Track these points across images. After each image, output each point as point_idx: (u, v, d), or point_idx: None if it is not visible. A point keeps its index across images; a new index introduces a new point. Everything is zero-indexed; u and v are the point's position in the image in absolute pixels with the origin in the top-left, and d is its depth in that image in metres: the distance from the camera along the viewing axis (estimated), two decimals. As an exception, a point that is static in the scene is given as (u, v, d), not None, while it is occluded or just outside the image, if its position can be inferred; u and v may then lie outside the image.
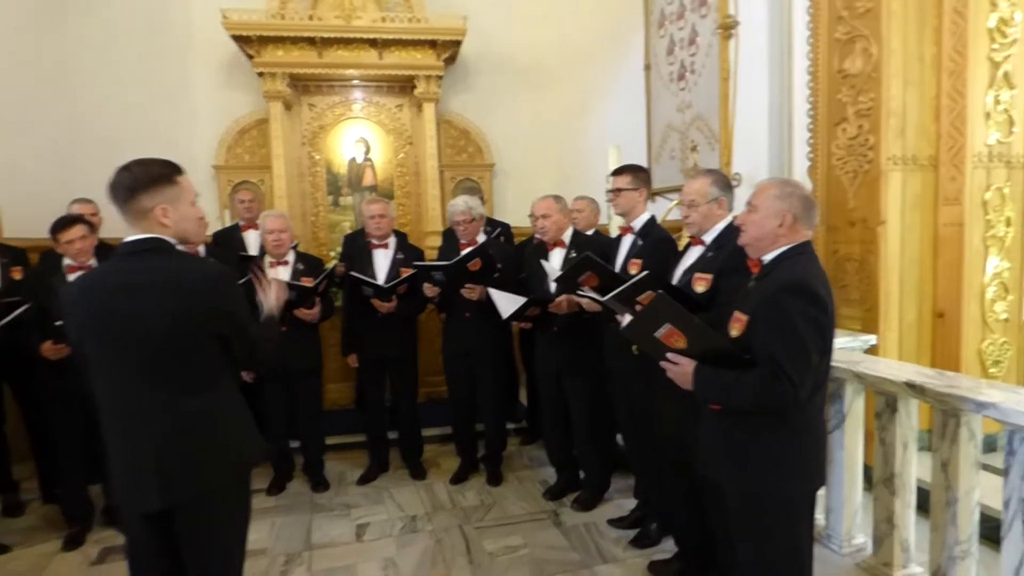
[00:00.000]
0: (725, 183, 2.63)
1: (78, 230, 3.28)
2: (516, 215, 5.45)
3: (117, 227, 4.17)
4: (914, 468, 2.59)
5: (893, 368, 2.63)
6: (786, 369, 1.78)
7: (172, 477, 1.78)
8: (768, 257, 1.98)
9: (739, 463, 1.97)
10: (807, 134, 3.32)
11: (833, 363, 2.10)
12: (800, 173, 3.38)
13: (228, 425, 1.90)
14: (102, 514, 3.53)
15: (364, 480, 4.09)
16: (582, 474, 3.76)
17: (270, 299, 2.21)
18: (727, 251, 2.43)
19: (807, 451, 1.95)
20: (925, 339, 3.22)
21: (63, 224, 3.29)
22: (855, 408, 2.81)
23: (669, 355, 1.99)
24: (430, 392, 5.05)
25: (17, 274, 3.68)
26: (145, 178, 1.81)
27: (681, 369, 1.98)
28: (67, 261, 3.30)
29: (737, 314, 1.96)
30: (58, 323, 3.01)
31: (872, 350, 3.14)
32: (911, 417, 2.56)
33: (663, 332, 1.92)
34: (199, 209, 1.96)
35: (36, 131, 4.73)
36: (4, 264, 3.69)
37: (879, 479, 2.61)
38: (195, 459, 1.81)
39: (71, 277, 3.27)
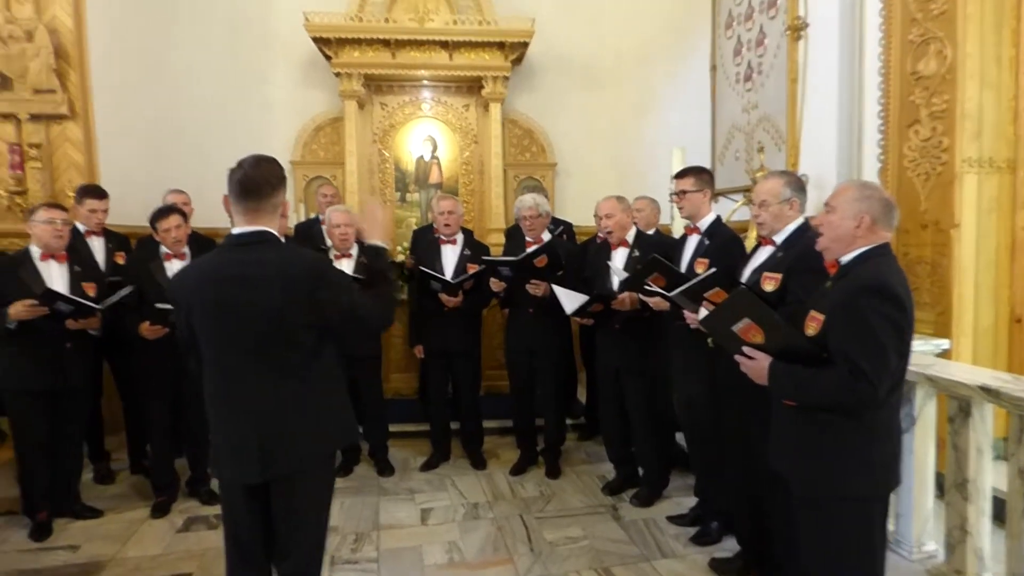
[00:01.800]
0: (798, 185, 2.64)
1: (175, 219, 3.53)
2: (577, 214, 5.53)
3: (204, 217, 4.48)
4: (989, 475, 2.54)
5: (967, 372, 2.59)
6: (864, 369, 1.79)
7: (272, 453, 1.92)
8: (846, 258, 1.99)
9: (813, 460, 1.98)
10: (877, 136, 3.28)
11: (904, 365, 2.10)
12: (870, 174, 3.34)
13: (324, 407, 2.01)
14: (186, 485, 3.79)
15: (427, 467, 4.25)
16: (640, 471, 3.80)
17: (375, 230, 2.21)
18: (798, 251, 2.45)
19: (883, 450, 1.95)
20: (1001, 345, 3.14)
21: (162, 213, 3.54)
22: (926, 412, 2.78)
23: (745, 349, 2.02)
24: (490, 385, 5.17)
25: (120, 259, 3.97)
26: (278, 177, 1.97)
27: (757, 364, 2.00)
28: (163, 249, 3.55)
29: (813, 313, 1.97)
30: (159, 305, 3.27)
31: (945, 355, 3.08)
32: (985, 422, 2.51)
33: (741, 326, 1.95)
34: None
35: (136, 125, 5.09)
36: (109, 249, 3.99)
37: (951, 485, 2.58)
38: (293, 438, 1.94)
39: (167, 264, 3.53)
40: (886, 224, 1.97)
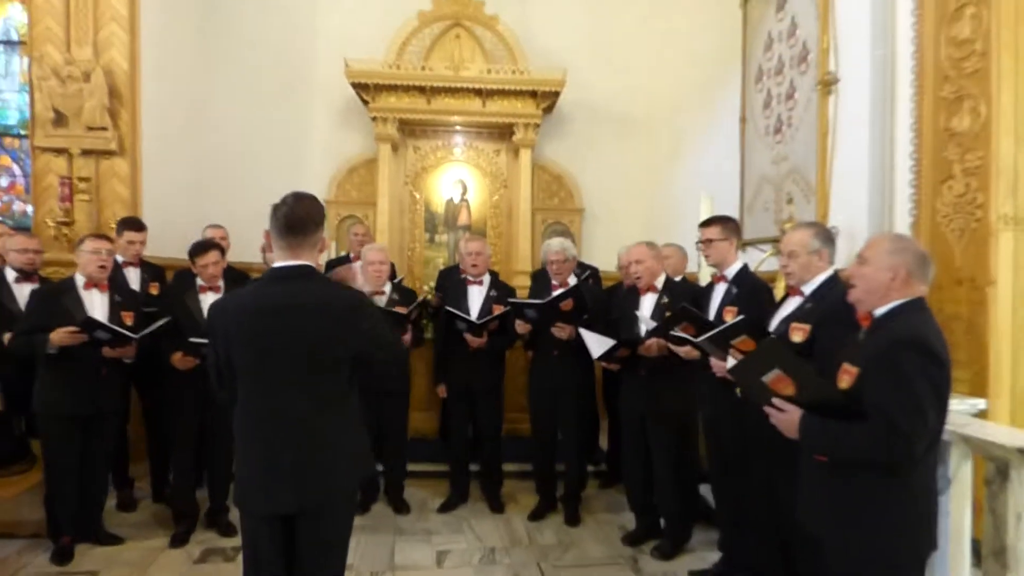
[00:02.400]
0: (827, 236, 2.65)
1: (213, 255, 3.64)
2: (604, 259, 5.55)
3: (239, 253, 4.60)
4: (1028, 543, 2.44)
5: (1005, 433, 2.50)
6: (900, 424, 1.75)
7: (306, 483, 1.94)
8: (880, 311, 1.96)
9: (845, 520, 1.92)
10: (910, 190, 3.26)
11: (939, 424, 2.04)
12: (902, 228, 3.31)
13: (352, 439, 2.06)
14: (206, 516, 3.80)
15: (445, 508, 4.20)
16: (663, 522, 3.71)
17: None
18: (828, 302, 2.43)
19: (920, 513, 1.89)
20: (1041, 408, 3.04)
21: (201, 248, 3.65)
22: (962, 474, 2.67)
23: (775, 401, 1.98)
24: (511, 428, 5.13)
25: (154, 289, 4.09)
26: (320, 214, 2.07)
27: (787, 417, 1.96)
28: (199, 282, 3.66)
29: (846, 366, 1.93)
30: (192, 339, 3.34)
31: (981, 415, 2.99)
32: (1024, 487, 2.42)
33: (772, 377, 1.92)
34: None
35: (179, 163, 5.31)
36: (144, 279, 4.12)
37: (988, 552, 2.47)
38: (325, 467, 1.97)
39: (202, 296, 3.63)
40: (921, 278, 1.95)
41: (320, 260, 2.16)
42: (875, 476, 1.86)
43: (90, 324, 3.18)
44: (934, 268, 2.02)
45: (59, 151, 4.68)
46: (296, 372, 1.95)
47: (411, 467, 4.38)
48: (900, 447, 1.76)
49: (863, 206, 3.56)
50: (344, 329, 1.96)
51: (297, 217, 1.98)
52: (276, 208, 2.01)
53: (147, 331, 3.35)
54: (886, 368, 1.81)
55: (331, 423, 1.98)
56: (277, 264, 2.02)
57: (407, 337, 3.94)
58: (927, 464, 1.92)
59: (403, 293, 4.18)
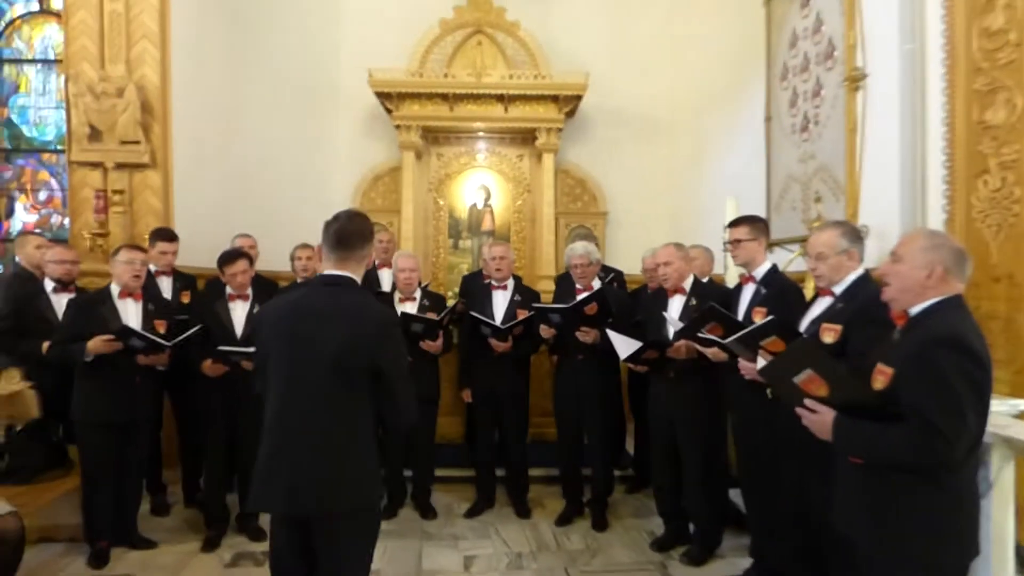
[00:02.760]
0: (855, 234, 2.59)
1: (242, 264, 3.70)
2: (628, 263, 5.51)
3: (268, 261, 4.69)
4: (1074, 548, 2.35)
5: (1047, 434, 2.42)
6: (939, 425, 1.70)
7: (307, 489, 1.97)
8: (916, 309, 1.90)
9: (885, 523, 1.87)
10: (943, 186, 3.19)
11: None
12: (935, 225, 3.23)
13: (368, 452, 2.07)
14: (236, 520, 3.85)
15: (471, 513, 4.19)
16: (692, 527, 3.66)
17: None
18: (860, 302, 2.38)
19: (962, 516, 1.83)
20: (1084, 407, 2.93)
21: (230, 257, 3.72)
22: (1004, 477, 2.59)
23: (807, 402, 1.94)
24: (537, 432, 5.11)
25: (185, 298, 4.18)
26: (369, 231, 2.18)
27: (820, 418, 1.92)
28: (229, 290, 3.72)
29: (881, 366, 1.88)
30: (221, 348, 3.41)
31: (1022, 416, 2.90)
32: (1070, 490, 2.33)
33: (804, 378, 1.88)
34: None
35: (209, 174, 5.41)
36: (176, 288, 4.21)
37: (1032, 557, 2.39)
38: (333, 478, 1.98)
39: (231, 304, 3.69)
40: (959, 275, 1.89)
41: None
42: (914, 478, 1.81)
43: (125, 332, 3.26)
44: (971, 264, 1.96)
45: (94, 165, 4.81)
46: (323, 375, 1.99)
47: (438, 472, 4.40)
48: (940, 449, 1.71)
49: (894, 203, 3.49)
50: (371, 341, 2.01)
51: (347, 232, 2.10)
52: (328, 224, 2.13)
53: (180, 339, 3.42)
54: (923, 368, 1.76)
55: (342, 434, 2.01)
56: (322, 272, 2.14)
57: (439, 343, 3.96)
58: (969, 466, 1.86)
59: (433, 299, 4.21)
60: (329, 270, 2.11)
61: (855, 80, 3.77)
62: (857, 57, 3.77)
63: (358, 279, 2.13)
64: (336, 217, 2.14)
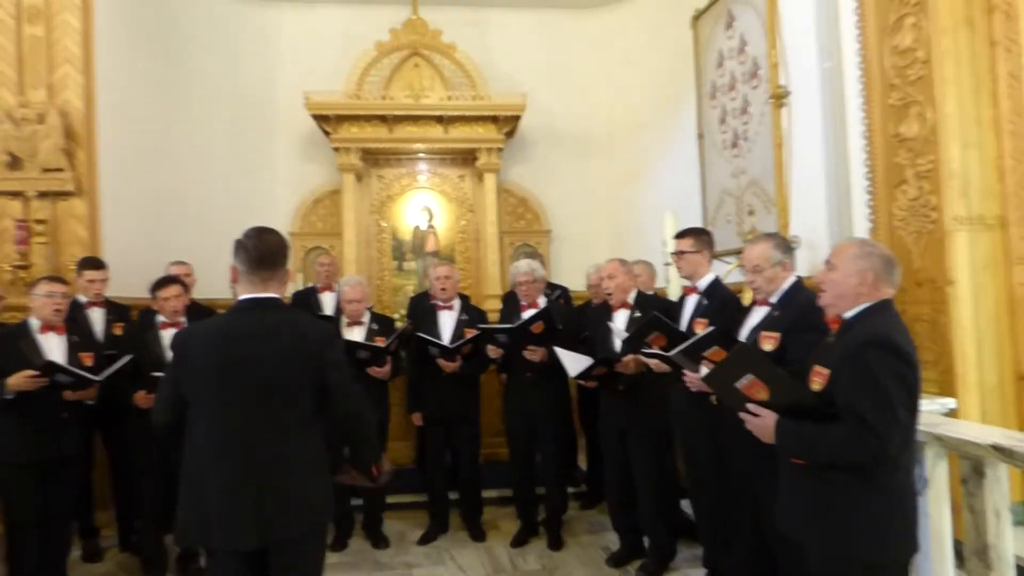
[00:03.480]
0: (785, 245, 2.70)
1: (174, 289, 3.57)
2: (573, 279, 5.57)
3: (204, 288, 4.52)
4: (1011, 541, 2.45)
5: (977, 430, 2.53)
6: (871, 422, 1.77)
7: (271, 516, 1.90)
8: (850, 314, 2.00)
9: (826, 523, 1.92)
10: (866, 196, 3.35)
11: (911, 426, 2.06)
12: (860, 234, 3.38)
13: (318, 471, 2.02)
14: (176, 563, 3.65)
15: (425, 540, 4.10)
16: (646, 540, 3.68)
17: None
18: (796, 310, 2.47)
19: (900, 514, 1.90)
20: (1009, 403, 3.09)
21: (162, 283, 3.59)
22: (938, 474, 2.69)
23: (750, 406, 1.99)
24: (489, 453, 5.06)
25: (118, 329, 3.97)
26: (286, 247, 2.11)
27: (762, 421, 1.97)
28: (160, 318, 3.57)
29: (818, 368, 1.96)
30: (155, 374, 3.25)
31: (951, 414, 3.04)
32: (1001, 483, 2.42)
33: (745, 383, 1.94)
34: None
35: (140, 200, 5.19)
36: (109, 320, 4.01)
37: (971, 552, 2.47)
38: (292, 501, 1.93)
39: (163, 332, 3.53)
40: (888, 280, 1.99)
41: (287, 292, 2.14)
42: (853, 477, 1.87)
43: (50, 368, 3.07)
44: (900, 270, 2.06)
45: (15, 194, 4.55)
46: (261, 398, 1.94)
47: (389, 499, 4.28)
48: (874, 444, 1.78)
49: (822, 214, 3.65)
50: (312, 356, 1.97)
51: (268, 251, 2.03)
52: (241, 243, 2.03)
53: (109, 371, 3.25)
54: (856, 368, 1.84)
55: (294, 455, 1.95)
56: (245, 296, 2.03)
57: (387, 369, 3.89)
58: (904, 466, 1.95)
59: (381, 322, 4.14)
60: (250, 293, 2.02)
61: (779, 97, 3.95)
62: (780, 75, 3.95)
63: (281, 297, 2.08)
64: (247, 235, 2.04)
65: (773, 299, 2.65)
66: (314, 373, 1.97)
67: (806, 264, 3.50)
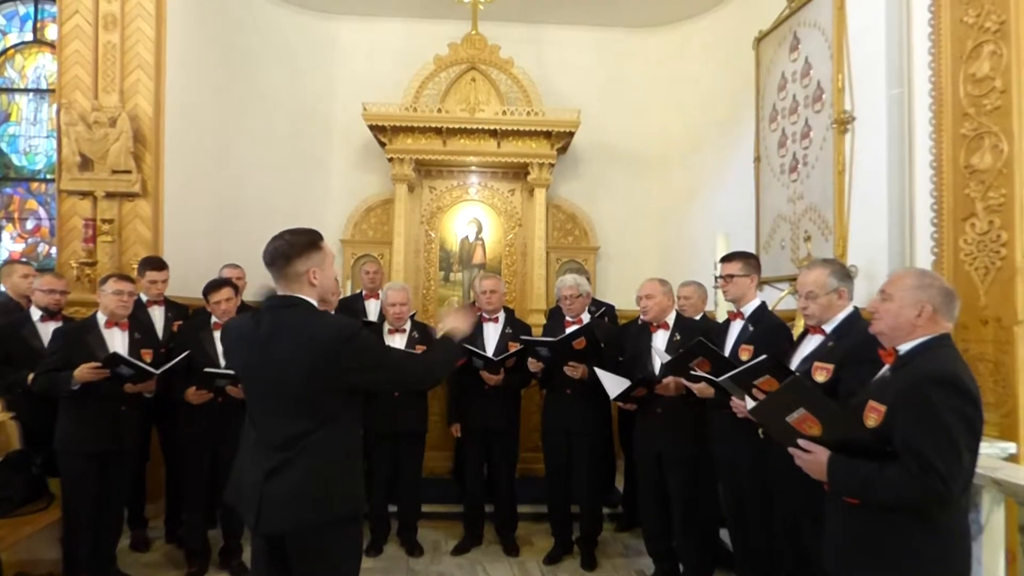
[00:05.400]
0: (844, 273, 2.62)
1: (225, 292, 3.69)
2: (619, 297, 5.54)
3: (259, 291, 4.64)
4: (1067, 592, 2.33)
5: (1038, 477, 2.42)
6: (935, 464, 1.71)
7: (270, 508, 1.95)
8: (905, 347, 1.93)
9: (877, 564, 1.86)
10: (931, 228, 3.23)
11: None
12: (923, 266, 3.28)
13: (336, 472, 2.03)
14: (218, 556, 3.75)
15: (458, 551, 4.11)
16: (681, 567, 3.60)
17: (455, 323, 2.31)
18: (852, 341, 2.39)
19: (955, 556, 1.83)
20: (1074, 451, 2.94)
21: (213, 286, 3.72)
22: (994, 520, 2.58)
23: (801, 442, 1.93)
24: (526, 468, 5.04)
25: (177, 328, 4.12)
26: (298, 245, 2.08)
27: (814, 458, 1.91)
28: (214, 319, 3.70)
29: (873, 404, 1.89)
30: (207, 370, 3.37)
31: (1011, 459, 2.89)
32: (1061, 533, 2.32)
33: (796, 417, 1.87)
34: (334, 271, 2.25)
35: (201, 204, 5.41)
36: (169, 318, 4.17)
37: (1025, 603, 2.36)
38: (291, 498, 1.96)
39: (216, 333, 3.65)
40: (947, 314, 1.92)
41: (322, 293, 2.16)
42: (907, 518, 1.81)
43: (113, 360, 3.21)
44: (960, 304, 1.98)
45: (84, 194, 4.79)
46: (275, 401, 2.01)
47: (424, 508, 4.31)
48: (936, 488, 1.71)
49: (882, 244, 3.53)
50: (328, 361, 1.97)
51: (268, 252, 2.08)
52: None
53: (167, 366, 3.39)
54: (917, 406, 1.77)
55: (310, 451, 1.97)
56: (274, 296, 2.13)
57: None
58: (960, 507, 1.86)
59: (422, 331, 4.18)
60: (280, 291, 2.10)
61: (843, 123, 3.85)
62: (845, 100, 3.86)
63: (310, 298, 2.08)
64: (272, 238, 2.13)
65: (828, 328, 2.58)
66: (331, 378, 1.98)
67: (863, 294, 3.40)
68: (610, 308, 5.09)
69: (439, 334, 2.33)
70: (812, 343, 2.65)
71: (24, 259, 6.01)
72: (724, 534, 3.67)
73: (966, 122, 3.02)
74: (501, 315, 4.23)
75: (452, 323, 2.31)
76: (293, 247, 2.06)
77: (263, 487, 1.95)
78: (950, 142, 3.09)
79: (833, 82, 3.95)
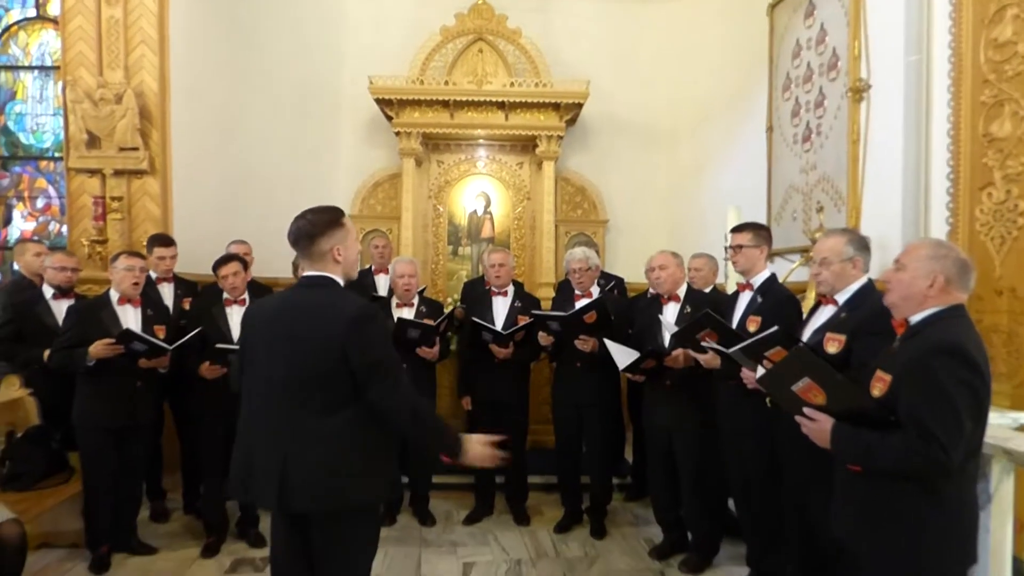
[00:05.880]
0: (861, 243, 2.59)
1: (233, 266, 3.72)
2: (628, 271, 5.51)
3: (266, 267, 4.68)
4: (1077, 563, 2.34)
5: (1050, 447, 2.41)
6: (935, 432, 1.72)
7: (289, 487, 1.94)
8: (916, 318, 1.93)
9: (881, 530, 1.88)
10: (946, 198, 3.19)
11: (980, 438, 1.98)
12: (938, 236, 3.24)
13: (354, 451, 1.99)
14: (236, 527, 3.84)
15: (470, 520, 4.18)
16: (690, 536, 3.65)
17: (475, 449, 2.10)
18: (865, 312, 2.38)
19: (961, 524, 1.85)
20: (1087, 421, 2.93)
21: (223, 261, 3.76)
22: (1003, 489, 2.57)
23: (806, 410, 1.95)
24: (535, 440, 5.09)
25: (186, 304, 4.16)
26: (321, 223, 2.08)
27: (818, 426, 1.93)
28: (225, 295, 3.73)
29: (880, 373, 1.90)
30: (219, 345, 3.41)
31: (1022, 430, 2.89)
32: (1072, 504, 2.32)
33: (801, 386, 1.90)
34: (358, 246, 2.25)
35: (209, 180, 5.41)
36: (178, 295, 4.20)
37: (1033, 571, 2.38)
38: (315, 477, 1.94)
39: (228, 309, 3.70)
40: (961, 285, 1.90)
41: (347, 271, 2.16)
42: (911, 486, 1.83)
43: (127, 336, 3.25)
44: (975, 275, 1.96)
45: (92, 172, 4.79)
46: (293, 377, 1.98)
47: (436, 479, 4.37)
48: (936, 456, 1.73)
49: (896, 215, 3.49)
50: (336, 339, 1.95)
51: (293, 232, 2.09)
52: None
53: (180, 342, 3.42)
54: (920, 375, 1.78)
55: (325, 433, 1.96)
56: (304, 274, 2.13)
57: (435, 350, 3.94)
58: (967, 475, 1.88)
59: (430, 305, 4.20)
60: (306, 272, 2.11)
61: (858, 91, 3.78)
62: (861, 68, 3.78)
63: (336, 276, 2.09)
64: (295, 217, 2.12)
65: (841, 298, 2.56)
66: (342, 354, 1.94)
67: (875, 265, 3.37)
68: (619, 281, 5.07)
69: (463, 445, 2.09)
70: (825, 314, 2.63)
71: (36, 238, 6.06)
72: (732, 504, 3.71)
73: (986, 89, 2.96)
74: (510, 289, 4.23)
75: (472, 453, 2.10)
76: (316, 226, 2.06)
77: (285, 465, 1.93)
78: (969, 110, 3.03)
79: (849, 49, 3.87)
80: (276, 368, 2.00)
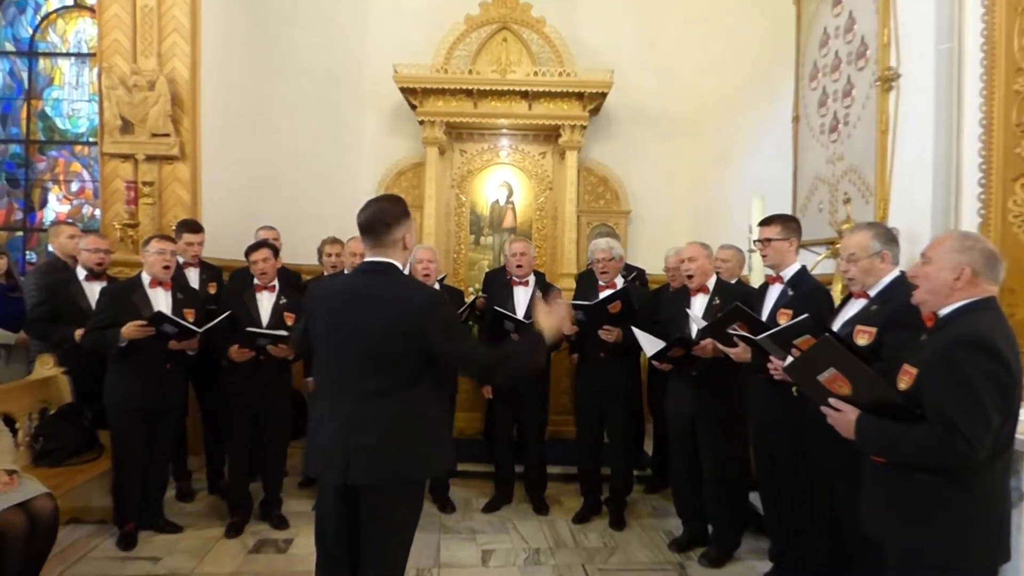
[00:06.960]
0: (888, 236, 2.56)
1: (264, 252, 3.79)
2: (650, 262, 5.48)
3: (290, 254, 4.72)
4: (1107, 559, 2.29)
5: (1083, 444, 2.37)
6: (960, 426, 1.70)
7: (351, 462, 2.03)
8: (945, 311, 1.90)
9: (907, 524, 1.87)
10: (978, 189, 3.12)
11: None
12: (969, 229, 3.18)
13: (416, 431, 2.09)
14: (259, 508, 3.91)
15: (489, 508, 4.21)
16: (710, 528, 3.64)
17: (547, 320, 2.22)
18: (895, 304, 2.35)
19: (987, 519, 1.82)
20: (1122, 419, 2.87)
21: (254, 247, 3.83)
22: (1034, 487, 2.54)
23: (832, 401, 1.95)
24: (555, 430, 5.11)
25: (212, 289, 4.25)
26: (395, 213, 2.17)
27: (843, 416, 1.93)
28: (255, 281, 3.80)
29: (906, 367, 1.89)
30: (249, 329, 3.47)
31: (1054, 426, 2.84)
32: (1104, 501, 2.28)
33: (827, 376, 1.89)
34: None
35: (237, 167, 5.49)
36: (203, 279, 4.29)
37: (1064, 569, 2.34)
38: (376, 451, 2.03)
39: (258, 294, 3.76)
40: (990, 277, 1.87)
41: (406, 258, 2.24)
42: (938, 479, 1.81)
43: (158, 318, 3.33)
44: (1004, 266, 1.93)
45: (125, 157, 4.90)
46: (358, 359, 2.07)
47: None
48: (961, 449, 1.71)
49: (926, 206, 3.42)
50: (413, 325, 2.03)
51: (367, 220, 2.15)
52: (358, 214, 2.18)
53: (209, 325, 3.50)
54: (946, 368, 1.76)
55: (392, 411, 2.05)
56: (366, 259, 2.19)
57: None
58: (997, 471, 1.85)
59: (451, 293, 4.22)
60: (368, 258, 2.18)
61: (888, 80, 3.70)
62: (891, 56, 3.70)
63: (399, 263, 2.16)
64: (365, 205, 2.19)
65: (872, 292, 2.54)
66: (414, 340, 2.03)
67: (904, 258, 3.32)
68: (641, 272, 5.06)
69: (545, 337, 2.21)
70: (855, 307, 2.61)
71: (70, 220, 6.21)
72: (753, 498, 3.69)
73: (1020, 77, 2.89)
74: (531, 279, 4.24)
75: (544, 321, 2.21)
76: (392, 215, 2.15)
77: (349, 439, 2.03)
78: (1002, 99, 2.96)
79: (878, 37, 3.79)
80: (344, 350, 2.09)
